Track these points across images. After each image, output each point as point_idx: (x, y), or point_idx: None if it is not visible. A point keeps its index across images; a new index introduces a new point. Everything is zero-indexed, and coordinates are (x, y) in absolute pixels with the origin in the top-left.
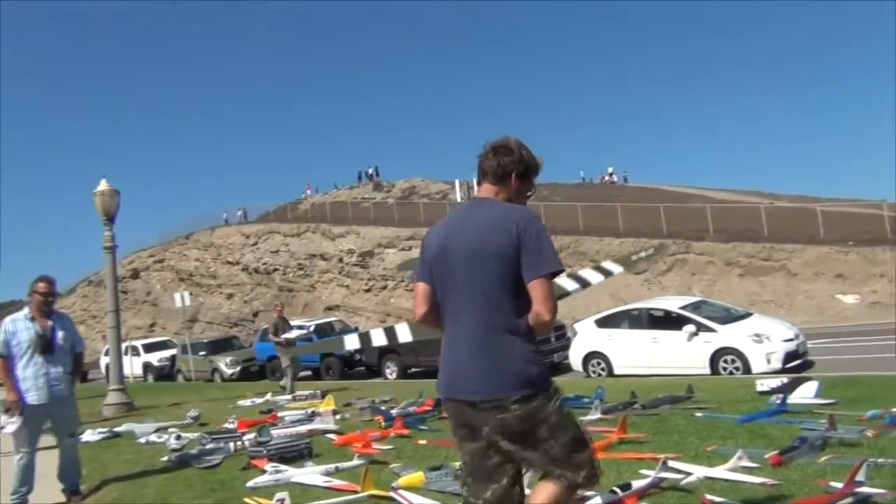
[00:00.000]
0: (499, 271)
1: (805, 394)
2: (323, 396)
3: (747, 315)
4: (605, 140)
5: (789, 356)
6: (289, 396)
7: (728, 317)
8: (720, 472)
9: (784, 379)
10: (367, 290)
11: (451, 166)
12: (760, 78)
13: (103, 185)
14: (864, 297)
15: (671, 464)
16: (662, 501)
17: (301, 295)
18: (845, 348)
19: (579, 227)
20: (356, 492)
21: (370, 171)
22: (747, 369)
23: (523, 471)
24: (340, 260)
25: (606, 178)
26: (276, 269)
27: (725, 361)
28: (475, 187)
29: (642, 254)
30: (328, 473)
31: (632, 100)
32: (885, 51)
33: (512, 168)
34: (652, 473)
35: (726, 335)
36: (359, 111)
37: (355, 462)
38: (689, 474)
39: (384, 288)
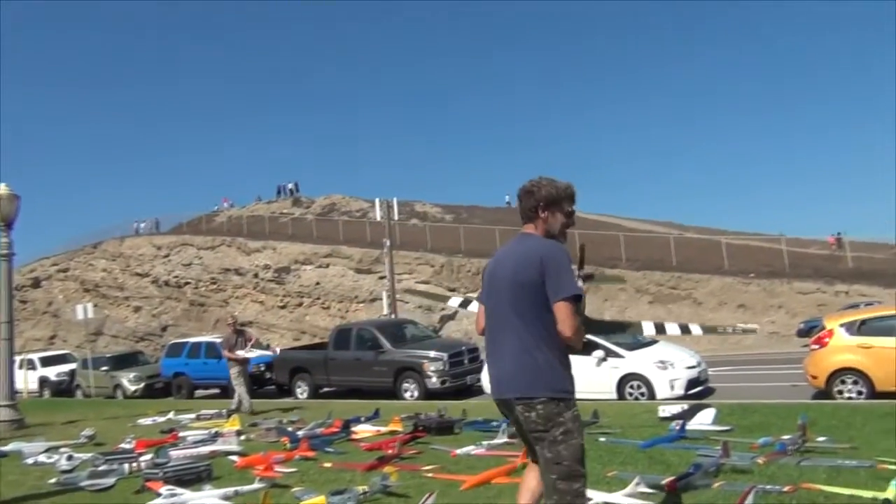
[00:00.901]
0: (531, 297)
1: (703, 420)
2: (228, 416)
3: (653, 342)
4: (527, 165)
5: (691, 383)
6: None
7: (635, 343)
8: (618, 497)
9: (685, 405)
10: (282, 307)
11: (372, 184)
12: (676, 110)
13: (1, 189)
14: (763, 326)
15: None
16: None
17: (213, 310)
18: (743, 376)
19: (496, 249)
20: None
21: (290, 185)
22: (652, 395)
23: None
24: (256, 275)
25: None
26: (187, 283)
27: (631, 387)
28: (395, 206)
29: (729, 329)
30: (227, 497)
31: (555, 127)
32: (788, 85)
33: (535, 205)
34: None
35: (633, 361)
36: (281, 125)
37: (256, 485)
38: (588, 499)
39: (300, 305)
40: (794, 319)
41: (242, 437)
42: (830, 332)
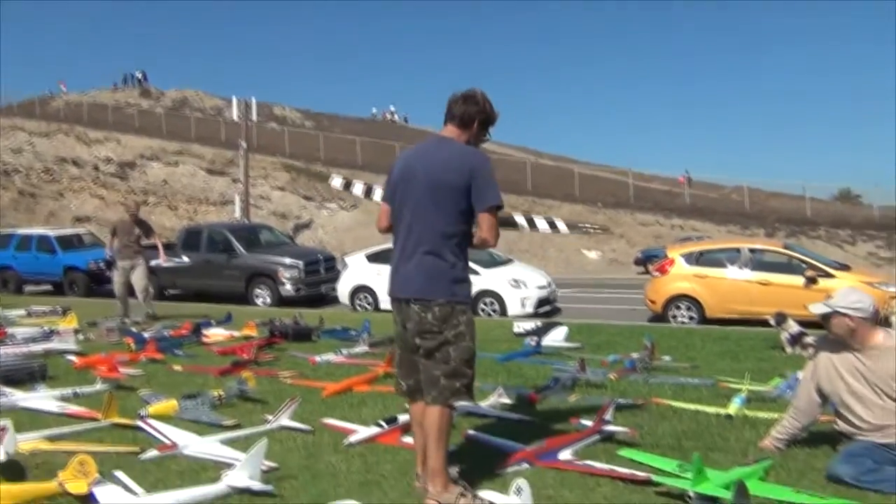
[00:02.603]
0: (452, 202)
1: (555, 337)
2: (64, 313)
3: (508, 261)
4: (392, 80)
5: (541, 302)
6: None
7: (491, 261)
8: (483, 407)
9: (538, 322)
10: (125, 204)
11: (229, 81)
12: (534, 42)
13: None
14: (605, 253)
15: None
16: None
17: (46, 202)
18: (587, 298)
19: (357, 161)
20: (97, 419)
21: (138, 74)
22: (504, 312)
23: None
24: (96, 168)
25: (388, 116)
26: (17, 171)
27: (485, 303)
28: (253, 106)
29: (589, 228)
30: (64, 399)
31: (418, 50)
32: (638, 24)
33: (476, 116)
34: None
35: (488, 278)
36: (128, 6)
37: (98, 387)
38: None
39: (144, 203)
40: (633, 248)
41: (81, 337)
42: (672, 261)
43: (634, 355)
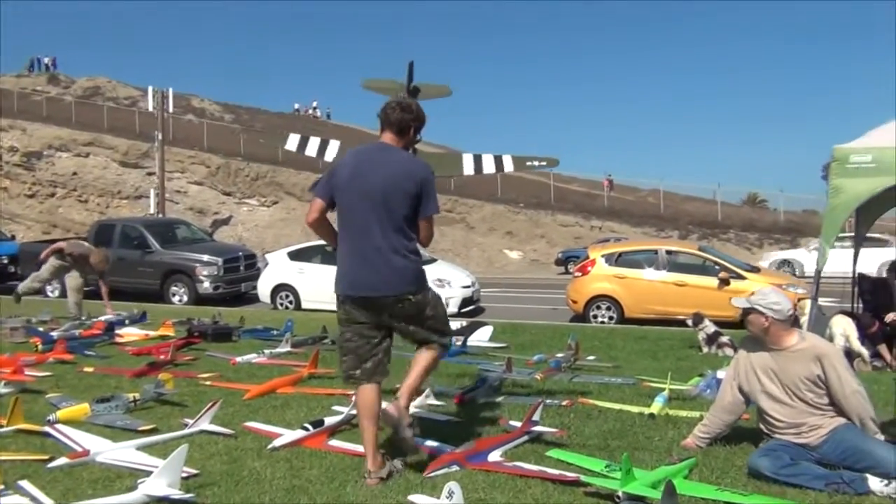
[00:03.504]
0: (405, 206)
1: (481, 337)
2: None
3: (432, 260)
4: (315, 76)
5: (465, 301)
6: None
7: None
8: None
9: (464, 322)
10: (31, 196)
11: (144, 71)
12: (456, 35)
13: None
14: (526, 254)
15: None
16: (354, 438)
17: None
18: (510, 298)
19: (278, 157)
20: (1, 426)
21: (46, 60)
22: None
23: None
24: None
25: (311, 111)
26: None
27: None
28: (170, 97)
29: (535, 163)
30: None
31: (341, 43)
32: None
33: (412, 124)
34: (344, 410)
35: None
36: None
37: (1, 390)
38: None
39: (52, 195)
40: (553, 249)
41: None
42: (593, 262)
43: (559, 355)
